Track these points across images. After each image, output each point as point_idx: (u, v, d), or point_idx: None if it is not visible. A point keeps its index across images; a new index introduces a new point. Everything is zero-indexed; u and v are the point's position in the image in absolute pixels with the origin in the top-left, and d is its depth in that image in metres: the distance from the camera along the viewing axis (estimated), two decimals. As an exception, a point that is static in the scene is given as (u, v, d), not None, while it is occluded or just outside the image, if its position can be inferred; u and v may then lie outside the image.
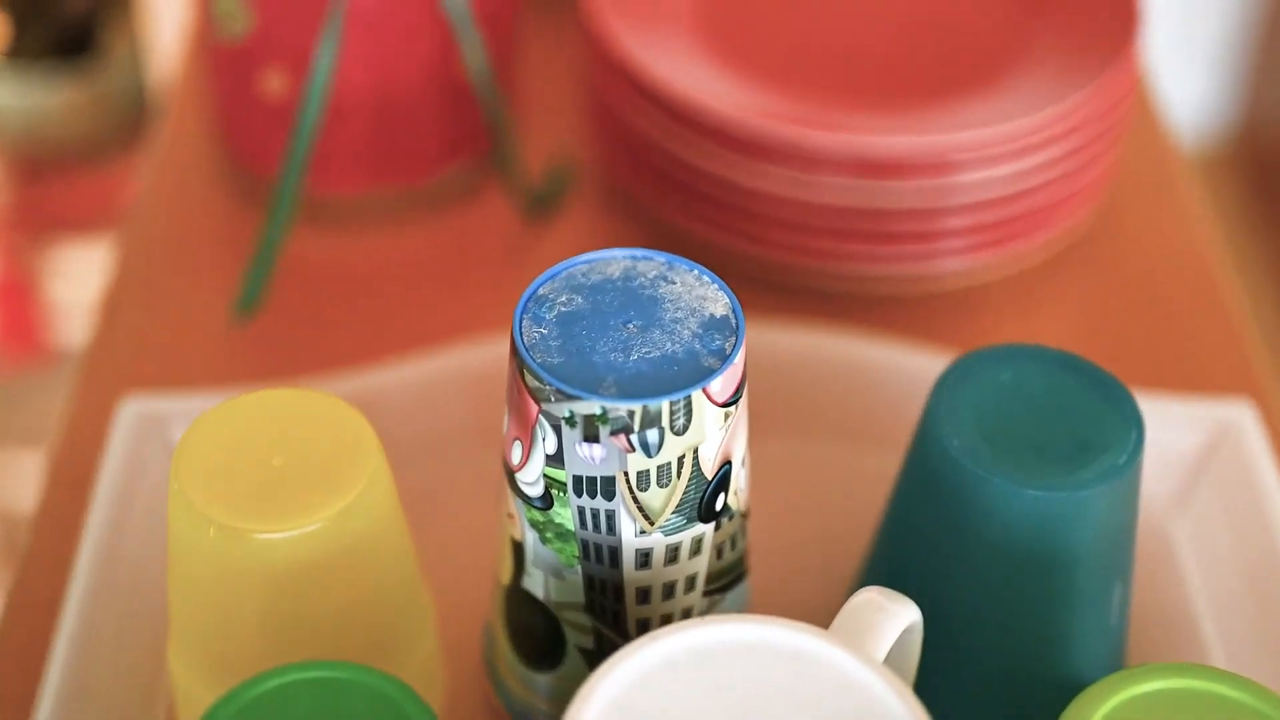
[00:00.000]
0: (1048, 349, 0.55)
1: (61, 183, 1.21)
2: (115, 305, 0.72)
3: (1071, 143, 0.69)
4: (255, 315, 0.70)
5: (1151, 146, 0.81)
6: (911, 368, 0.66)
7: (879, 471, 0.63)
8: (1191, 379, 0.69)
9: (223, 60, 0.74)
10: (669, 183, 0.72)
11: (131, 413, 0.63)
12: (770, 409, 0.65)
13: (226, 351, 0.70)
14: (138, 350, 0.70)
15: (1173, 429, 0.64)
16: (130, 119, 1.18)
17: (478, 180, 0.78)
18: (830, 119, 0.69)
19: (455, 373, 0.66)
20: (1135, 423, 0.53)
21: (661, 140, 0.70)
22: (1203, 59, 1.93)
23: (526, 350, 0.48)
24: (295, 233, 0.74)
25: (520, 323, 0.49)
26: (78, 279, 1.21)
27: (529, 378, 0.48)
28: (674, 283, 0.50)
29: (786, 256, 0.70)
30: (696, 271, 0.51)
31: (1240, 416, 0.64)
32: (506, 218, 0.76)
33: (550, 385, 0.47)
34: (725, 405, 0.48)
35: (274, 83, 0.72)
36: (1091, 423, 0.53)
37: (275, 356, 0.70)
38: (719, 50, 0.73)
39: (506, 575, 0.53)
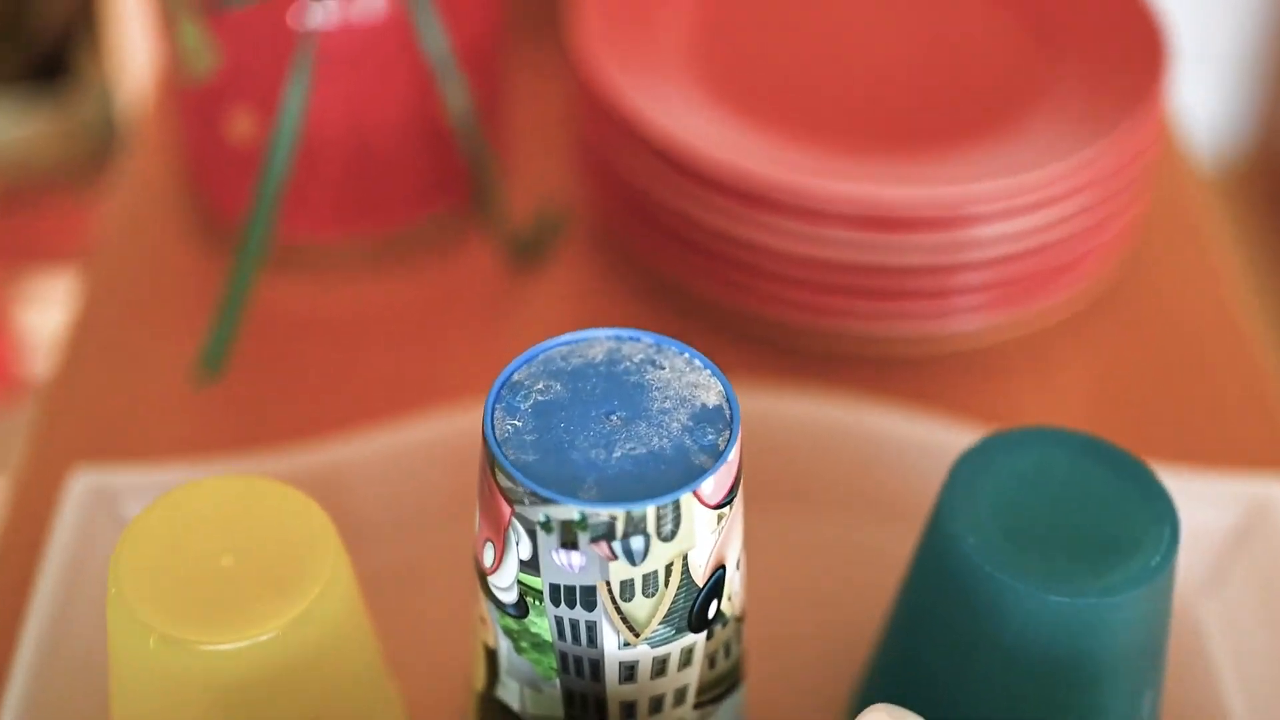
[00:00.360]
0: (1072, 432, 0.50)
1: (33, 212, 1.17)
2: (71, 362, 0.68)
3: (1095, 194, 0.64)
4: (220, 375, 0.65)
5: (1179, 193, 0.76)
6: (923, 438, 0.61)
7: (886, 549, 0.59)
8: (1223, 449, 0.65)
9: (188, 99, 0.69)
10: (665, 233, 0.67)
11: (82, 487, 0.59)
12: (771, 480, 0.60)
13: (189, 413, 0.66)
14: (94, 411, 0.66)
15: (1203, 507, 0.59)
16: (103, 146, 1.13)
17: (460, 228, 0.73)
18: (837, 168, 0.65)
19: (432, 443, 0.61)
20: (1169, 518, 0.48)
21: (657, 189, 0.66)
22: (1218, 75, 1.88)
23: (498, 446, 0.43)
24: (265, 281, 0.70)
25: (492, 414, 0.44)
26: (50, 308, 1.17)
27: (501, 477, 0.43)
28: (662, 368, 0.46)
29: (790, 314, 0.66)
30: (687, 355, 0.46)
31: (1275, 494, 0.59)
32: (490, 268, 0.72)
33: (524, 487, 0.42)
34: (718, 507, 0.44)
35: (242, 124, 0.68)
36: (1121, 517, 0.48)
37: (240, 419, 0.65)
38: (717, 93, 0.69)
39: (479, 682, 0.49)
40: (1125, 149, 0.64)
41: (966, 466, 0.49)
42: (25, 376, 1.23)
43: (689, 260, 0.67)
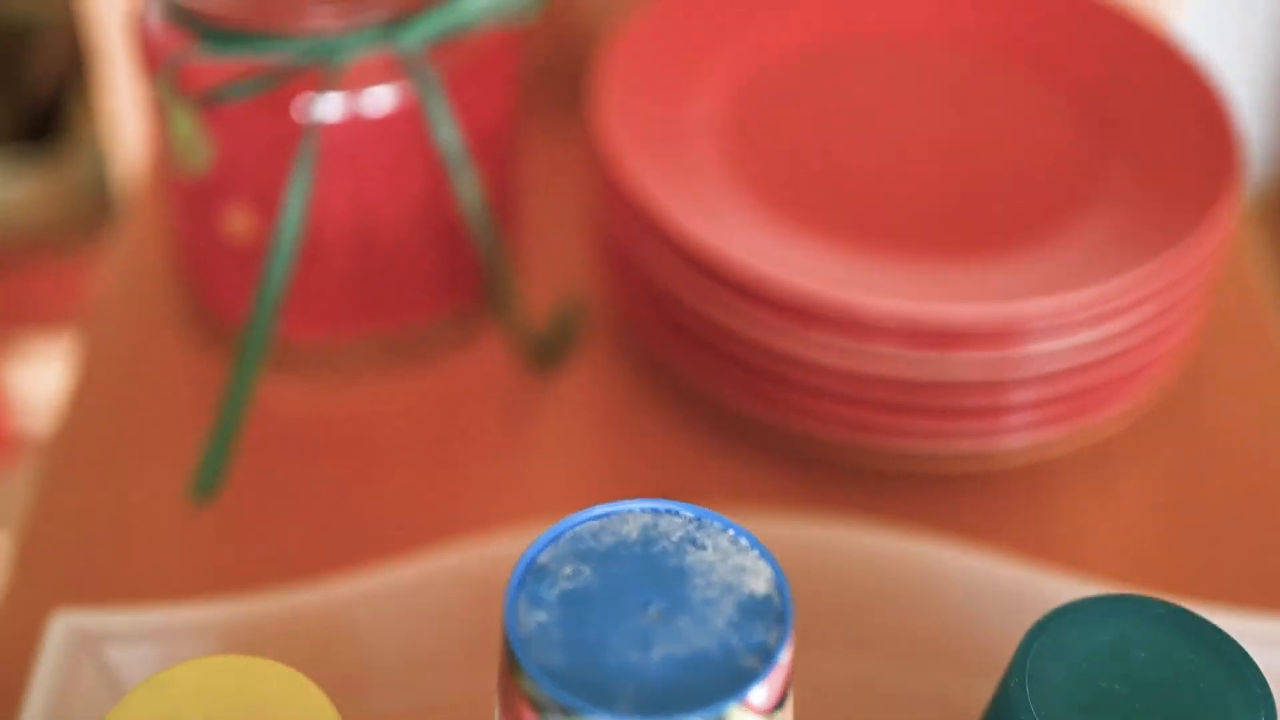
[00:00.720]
0: (1153, 601, 0.45)
1: (25, 273, 1.12)
2: (54, 479, 0.63)
3: (1159, 304, 0.60)
4: (215, 496, 0.60)
5: (1244, 286, 0.71)
6: (985, 575, 0.56)
7: (944, 700, 0.54)
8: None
9: (181, 191, 0.64)
10: (695, 341, 0.62)
11: (63, 631, 0.54)
12: (814, 621, 0.56)
13: (181, 536, 0.61)
14: (79, 534, 0.61)
15: (1277, 652, 0.55)
16: (98, 207, 1.09)
17: (473, 326, 0.68)
18: (881, 276, 0.60)
19: (445, 580, 0.56)
20: (1265, 704, 0.43)
21: (686, 295, 0.61)
22: (1246, 106, 1.84)
23: (521, 646, 0.39)
24: (265, 382, 0.65)
25: (515, 606, 0.39)
26: (44, 368, 1.12)
27: (525, 682, 0.38)
28: (704, 548, 0.41)
29: (830, 430, 0.61)
30: (731, 533, 0.41)
31: (1361, 637, 0.55)
32: (506, 369, 0.67)
33: (552, 697, 0.38)
34: (770, 712, 0.39)
35: (239, 221, 0.63)
36: (1210, 704, 0.43)
37: (236, 543, 0.61)
38: (750, 190, 0.64)
39: None
40: (1193, 257, 0.60)
41: (1037, 644, 0.44)
42: (20, 436, 1.18)
43: (721, 370, 0.62)
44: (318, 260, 0.63)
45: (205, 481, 0.60)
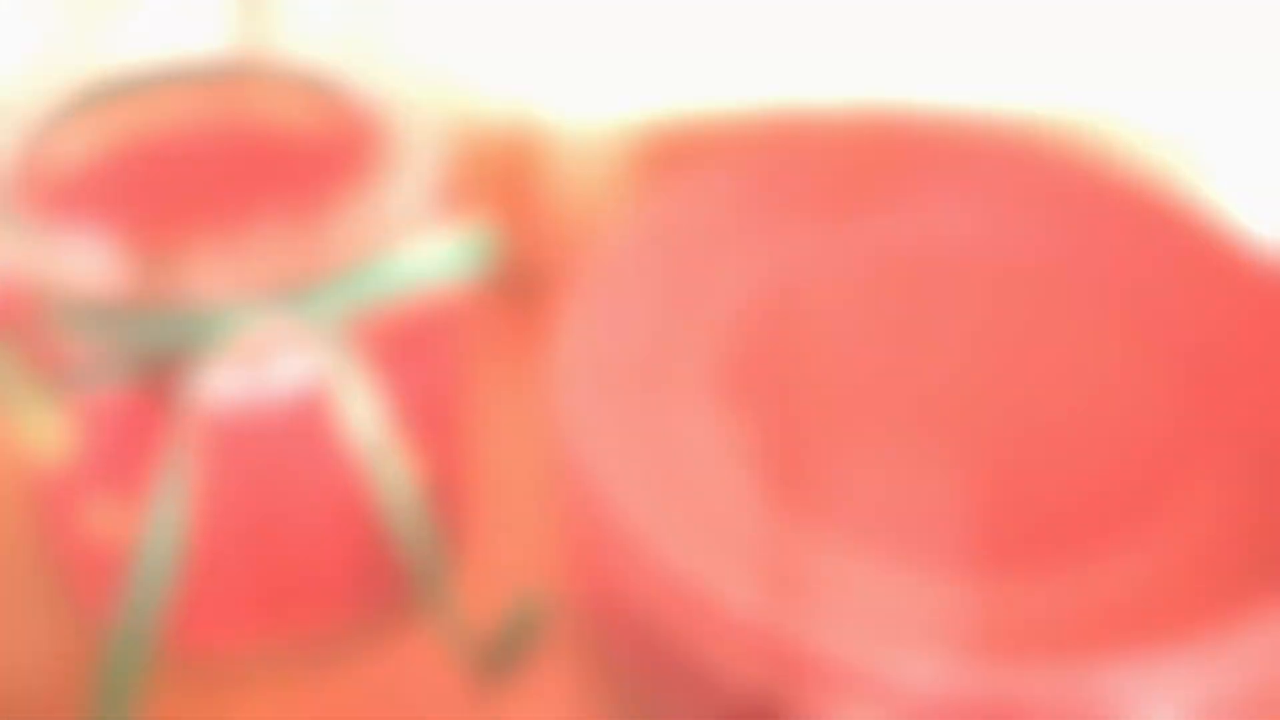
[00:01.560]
0: None
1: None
2: None
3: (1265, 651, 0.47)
4: None
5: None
6: None
7: None
8: None
9: (38, 477, 0.52)
10: (681, 677, 0.49)
11: None
12: None
13: None
14: None
15: None
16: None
17: (400, 629, 0.55)
18: (914, 606, 0.47)
19: None
20: None
21: (669, 626, 0.48)
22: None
23: None
24: (150, 696, 0.52)
25: None
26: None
27: None
28: None
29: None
30: None
31: None
32: (441, 681, 0.54)
33: None
34: None
35: (104, 516, 0.50)
36: None
37: None
38: (751, 489, 0.51)
39: None
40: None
41: None
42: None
43: (715, 713, 0.49)
44: (206, 560, 0.51)
45: None
